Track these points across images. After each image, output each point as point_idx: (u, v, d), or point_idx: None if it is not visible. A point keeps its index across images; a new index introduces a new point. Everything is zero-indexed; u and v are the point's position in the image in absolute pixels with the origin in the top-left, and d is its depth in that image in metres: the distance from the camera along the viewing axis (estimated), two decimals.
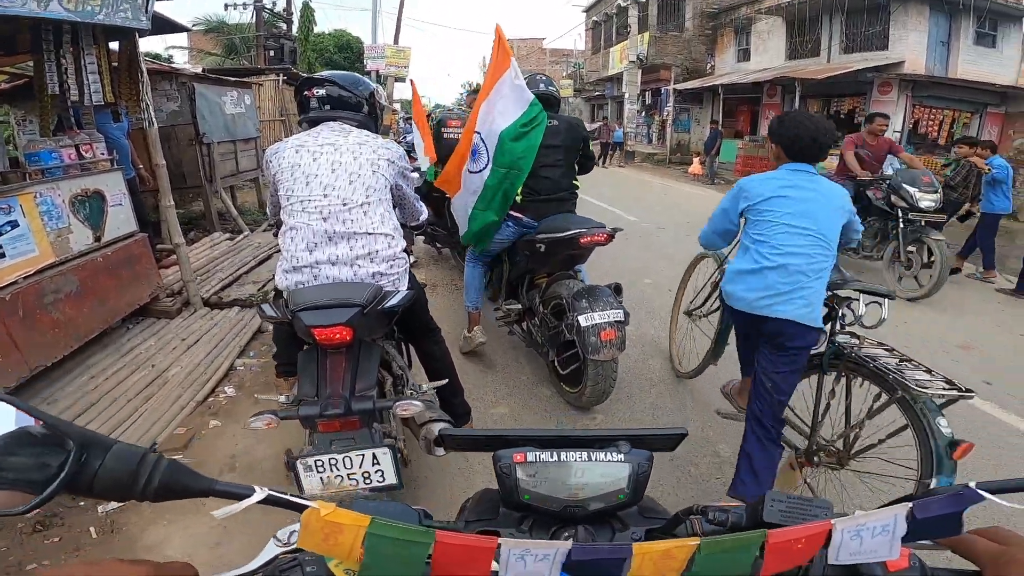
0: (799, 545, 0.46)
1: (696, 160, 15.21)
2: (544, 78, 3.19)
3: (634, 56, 19.11)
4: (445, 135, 4.51)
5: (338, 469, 1.51)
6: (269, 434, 2.51)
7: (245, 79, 7.44)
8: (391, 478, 1.55)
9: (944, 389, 1.64)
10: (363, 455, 1.53)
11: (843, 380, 2.00)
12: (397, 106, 18.81)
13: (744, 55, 16.56)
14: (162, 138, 5.42)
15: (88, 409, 2.67)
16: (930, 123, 11.39)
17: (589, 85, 26.59)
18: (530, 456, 0.59)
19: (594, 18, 25.39)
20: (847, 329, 2.00)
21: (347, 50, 24.20)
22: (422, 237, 5.55)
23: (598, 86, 25.34)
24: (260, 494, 0.48)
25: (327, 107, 1.94)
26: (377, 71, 15.11)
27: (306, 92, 1.95)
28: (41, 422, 0.45)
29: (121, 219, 3.42)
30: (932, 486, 1.69)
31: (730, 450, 2.53)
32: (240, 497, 0.48)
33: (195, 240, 5.57)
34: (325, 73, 2.02)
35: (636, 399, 3.06)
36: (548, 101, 2.96)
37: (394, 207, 2.00)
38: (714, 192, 13.02)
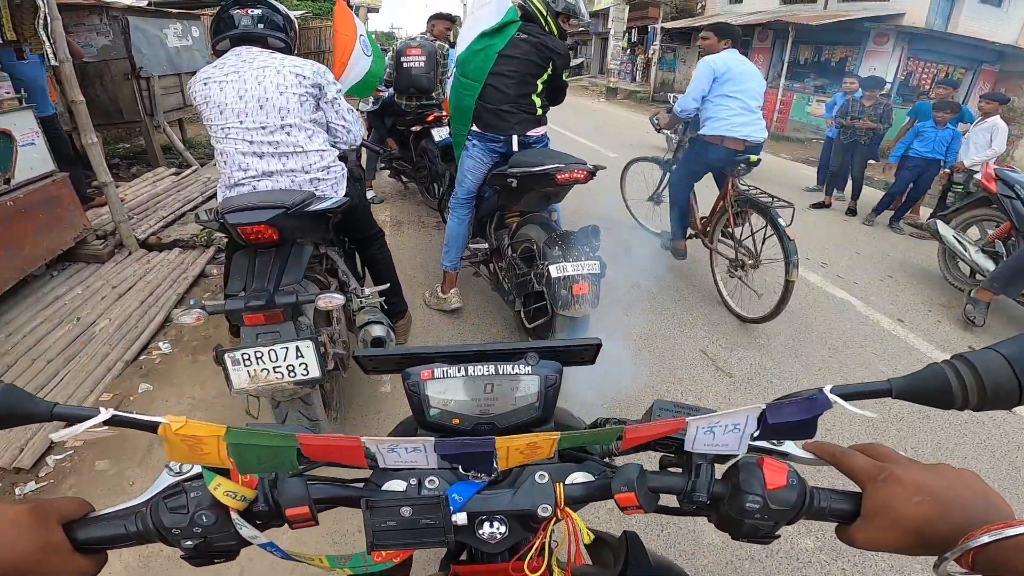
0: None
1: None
2: None
3: None
4: (404, 63, 4.24)
5: (263, 362, 1.56)
6: (209, 404, 2.32)
7: (192, 11, 6.92)
8: (314, 371, 1.59)
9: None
10: (287, 348, 1.57)
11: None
12: None
13: None
14: (94, 74, 5.32)
15: (2, 373, 2.43)
16: (923, 76, 11.17)
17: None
18: (437, 372, 0.56)
19: None
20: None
21: None
22: (387, 171, 5.33)
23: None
24: (104, 414, 0.45)
25: (260, 26, 1.92)
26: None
27: (239, 10, 1.90)
28: None
29: (35, 159, 3.09)
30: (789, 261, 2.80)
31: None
32: (83, 419, 0.45)
33: (137, 175, 5.30)
34: None
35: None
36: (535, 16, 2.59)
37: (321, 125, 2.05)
38: None
